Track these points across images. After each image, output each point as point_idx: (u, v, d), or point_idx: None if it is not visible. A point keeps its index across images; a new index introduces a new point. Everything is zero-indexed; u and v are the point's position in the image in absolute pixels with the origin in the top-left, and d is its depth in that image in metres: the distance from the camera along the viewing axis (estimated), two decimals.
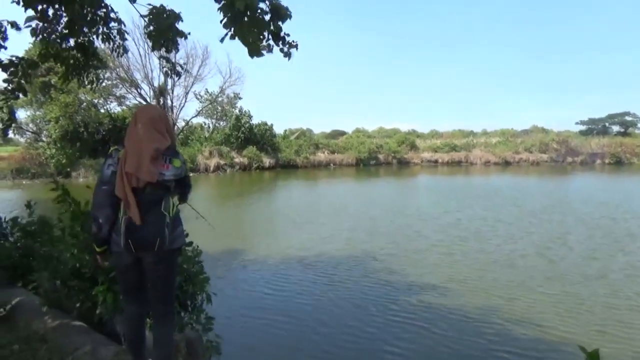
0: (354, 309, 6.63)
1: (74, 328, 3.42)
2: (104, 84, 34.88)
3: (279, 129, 45.49)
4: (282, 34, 3.76)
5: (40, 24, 4.96)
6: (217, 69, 49.31)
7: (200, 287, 3.51)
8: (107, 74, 33.82)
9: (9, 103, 5.38)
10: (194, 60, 38.95)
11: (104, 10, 5.12)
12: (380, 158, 42.82)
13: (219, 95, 41.31)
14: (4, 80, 5.11)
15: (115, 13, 5.24)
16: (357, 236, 11.48)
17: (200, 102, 41.81)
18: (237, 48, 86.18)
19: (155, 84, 38.16)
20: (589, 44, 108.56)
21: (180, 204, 2.67)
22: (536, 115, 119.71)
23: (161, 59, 5.50)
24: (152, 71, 37.42)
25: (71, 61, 5.51)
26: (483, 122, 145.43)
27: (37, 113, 32.87)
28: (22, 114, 34.20)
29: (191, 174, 33.25)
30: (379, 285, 7.59)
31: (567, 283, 7.66)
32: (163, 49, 4.93)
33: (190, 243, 3.98)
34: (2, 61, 5.22)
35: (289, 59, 3.92)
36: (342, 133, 56.12)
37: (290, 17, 3.65)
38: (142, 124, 2.50)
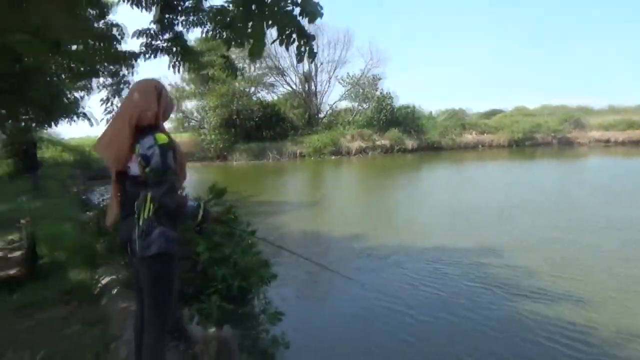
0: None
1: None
2: (255, 73, 37.69)
3: (435, 109, 44.59)
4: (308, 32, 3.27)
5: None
6: (359, 52, 49.66)
7: (252, 283, 3.16)
8: (257, 64, 36.35)
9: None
10: (335, 45, 39.87)
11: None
12: (537, 138, 38.20)
13: (361, 78, 41.19)
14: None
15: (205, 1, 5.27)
16: (498, 234, 10.16)
17: (343, 86, 42.35)
18: (382, 31, 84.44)
19: (300, 71, 39.92)
20: None
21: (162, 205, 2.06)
22: None
23: (219, 57, 5.46)
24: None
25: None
26: None
27: (199, 103, 37.24)
28: (188, 105, 39.22)
29: (333, 157, 33.85)
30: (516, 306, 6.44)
31: None
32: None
33: (253, 232, 3.68)
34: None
35: (299, 62, 3.57)
36: (500, 112, 51.29)
37: (321, 15, 3.09)
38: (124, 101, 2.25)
